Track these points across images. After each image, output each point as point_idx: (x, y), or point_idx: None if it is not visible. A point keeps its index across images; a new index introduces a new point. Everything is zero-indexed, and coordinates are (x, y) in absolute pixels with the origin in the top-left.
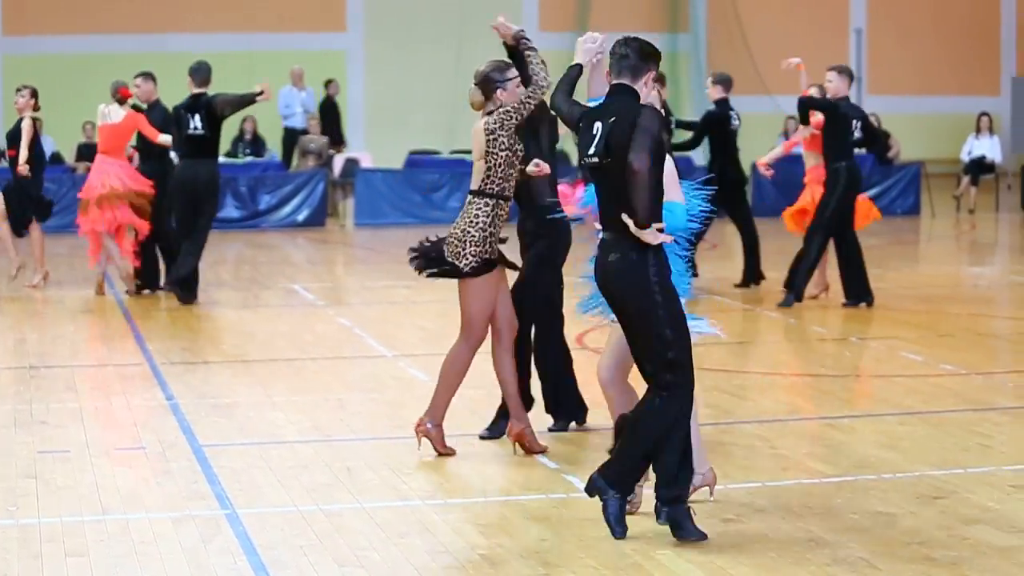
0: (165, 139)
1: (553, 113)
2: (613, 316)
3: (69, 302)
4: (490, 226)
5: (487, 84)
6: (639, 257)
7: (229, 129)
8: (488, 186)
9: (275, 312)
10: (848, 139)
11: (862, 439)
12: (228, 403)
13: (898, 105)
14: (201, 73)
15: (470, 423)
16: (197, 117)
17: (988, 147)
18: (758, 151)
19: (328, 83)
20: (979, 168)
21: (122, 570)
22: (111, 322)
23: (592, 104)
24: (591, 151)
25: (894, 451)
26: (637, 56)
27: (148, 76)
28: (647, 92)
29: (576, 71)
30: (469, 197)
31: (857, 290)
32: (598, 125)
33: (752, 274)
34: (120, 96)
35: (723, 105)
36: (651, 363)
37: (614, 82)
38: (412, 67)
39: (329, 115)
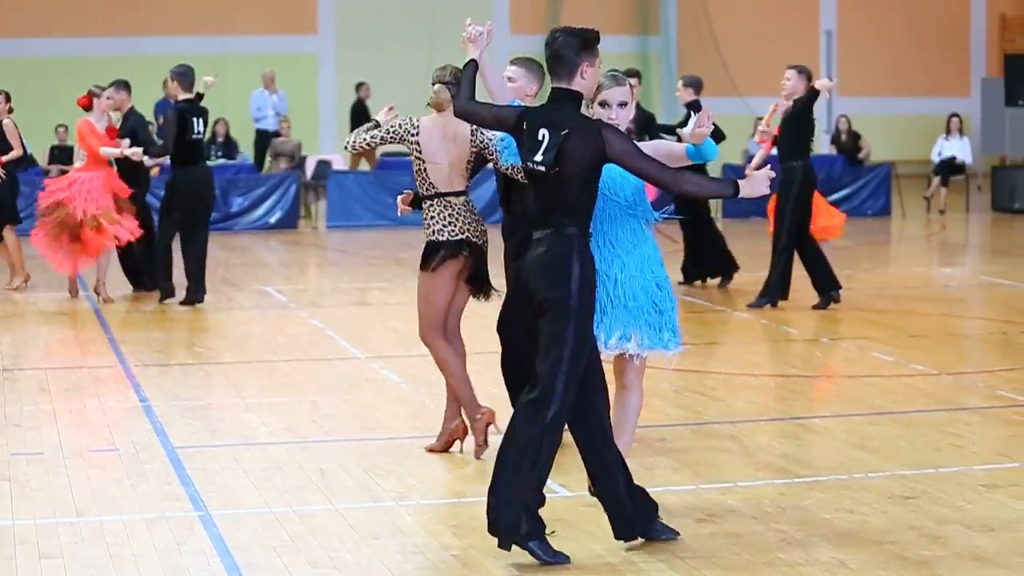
0: (108, 152)
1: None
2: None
3: (42, 304)
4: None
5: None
6: (565, 254)
7: None
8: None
9: (248, 314)
10: (808, 139)
11: (833, 439)
12: (201, 405)
13: (868, 106)
14: (189, 77)
15: (440, 424)
16: (200, 121)
17: (958, 148)
18: (728, 152)
19: (359, 86)
20: (949, 169)
21: (96, 572)
22: (84, 324)
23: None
24: (538, 158)
25: (865, 451)
26: (572, 52)
27: (120, 85)
28: (585, 82)
29: (473, 68)
30: (465, 197)
31: (825, 285)
32: (544, 132)
33: (726, 268)
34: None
35: (696, 107)
36: (543, 364)
37: (554, 86)
38: (383, 69)
39: (359, 119)
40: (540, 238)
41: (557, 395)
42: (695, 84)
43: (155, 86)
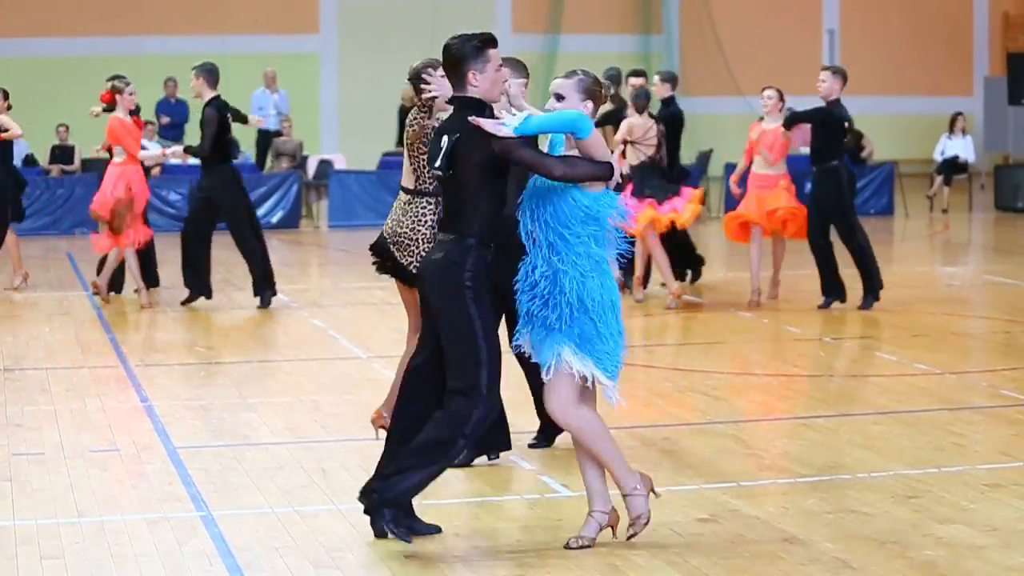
0: (146, 155)
1: None
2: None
3: (43, 304)
4: (435, 225)
5: (417, 80)
6: (460, 259)
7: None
8: (425, 185)
9: (249, 314)
10: (841, 139)
11: (837, 439)
12: (202, 405)
13: (871, 105)
14: (216, 74)
15: None
16: (229, 117)
17: (961, 147)
18: (731, 152)
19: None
20: (952, 168)
21: (97, 572)
22: (85, 324)
23: None
24: (437, 164)
25: (869, 451)
26: (460, 60)
27: (120, 80)
28: (479, 88)
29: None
30: (408, 197)
31: (833, 288)
32: (444, 139)
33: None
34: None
35: (673, 103)
36: (460, 377)
37: (454, 94)
38: (385, 69)
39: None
40: (442, 241)
41: (482, 398)
42: (673, 80)
43: (156, 85)
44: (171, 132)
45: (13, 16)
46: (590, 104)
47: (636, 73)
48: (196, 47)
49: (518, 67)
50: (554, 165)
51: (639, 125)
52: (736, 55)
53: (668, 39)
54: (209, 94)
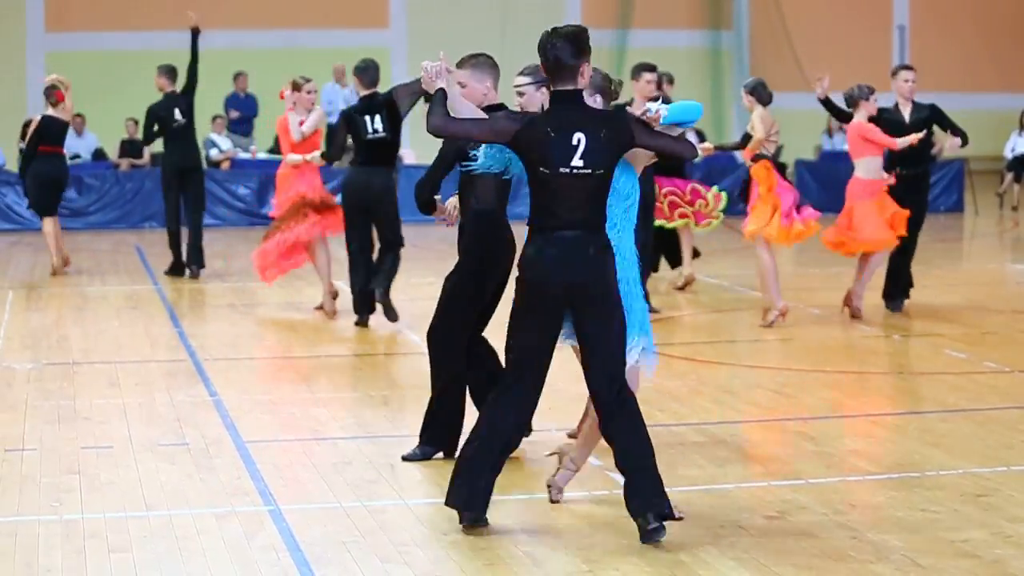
0: (292, 159)
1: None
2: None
3: (112, 298)
4: None
5: None
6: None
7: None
8: None
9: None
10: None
11: (906, 436)
12: (271, 399)
13: (941, 101)
14: (369, 73)
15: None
16: (377, 118)
17: None
18: (801, 148)
19: None
20: (1022, 165)
21: (165, 566)
22: (154, 318)
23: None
24: (578, 162)
25: (938, 449)
26: (571, 54)
27: (162, 70)
28: (585, 83)
29: (442, 95)
30: None
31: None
32: (579, 136)
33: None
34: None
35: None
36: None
37: (559, 88)
38: (454, 63)
39: None
40: (583, 239)
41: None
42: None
43: (225, 79)
44: (240, 127)
45: (82, 10)
46: (599, 98)
47: (646, 68)
48: (265, 42)
49: (480, 64)
50: (686, 147)
51: (769, 120)
52: (806, 51)
53: (738, 35)
54: (363, 92)
